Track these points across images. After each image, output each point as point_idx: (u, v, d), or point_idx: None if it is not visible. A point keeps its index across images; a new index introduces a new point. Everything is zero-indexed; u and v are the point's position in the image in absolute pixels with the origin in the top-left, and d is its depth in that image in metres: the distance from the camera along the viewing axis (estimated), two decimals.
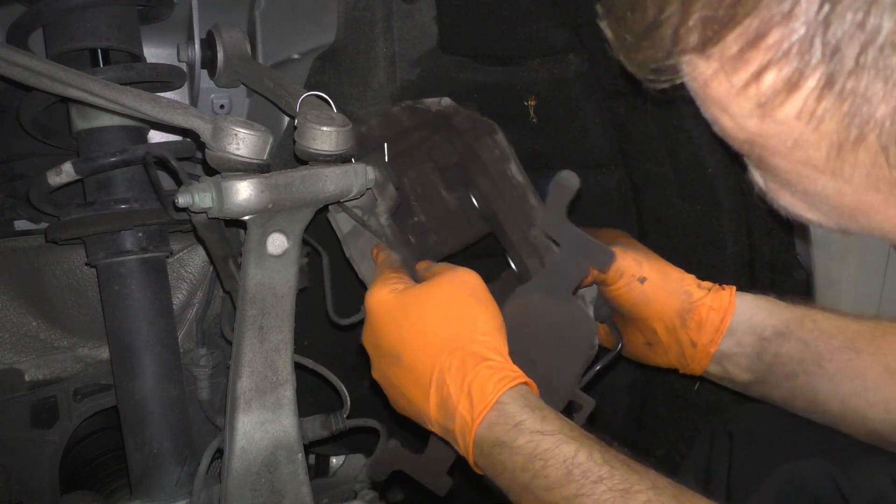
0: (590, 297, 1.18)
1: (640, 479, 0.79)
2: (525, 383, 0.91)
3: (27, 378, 1.29)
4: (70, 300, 1.33)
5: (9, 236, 1.34)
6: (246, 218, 0.99)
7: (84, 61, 1.16)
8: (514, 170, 1.23)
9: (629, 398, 1.64)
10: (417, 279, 1.06)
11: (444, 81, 1.37)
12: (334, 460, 1.66)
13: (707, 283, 1.10)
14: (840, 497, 0.99)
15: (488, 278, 1.32)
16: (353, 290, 1.16)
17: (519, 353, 0.95)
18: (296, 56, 1.29)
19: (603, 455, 0.82)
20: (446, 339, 0.93)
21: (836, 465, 1.00)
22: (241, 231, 1.08)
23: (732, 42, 0.48)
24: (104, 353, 1.32)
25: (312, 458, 1.65)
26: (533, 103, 1.43)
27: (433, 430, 0.95)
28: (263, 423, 1.06)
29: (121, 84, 1.01)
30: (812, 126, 0.48)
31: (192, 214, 1.02)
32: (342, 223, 1.12)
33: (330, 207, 1.13)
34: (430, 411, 0.93)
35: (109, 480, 1.43)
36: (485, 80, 1.39)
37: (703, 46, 0.49)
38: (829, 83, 0.45)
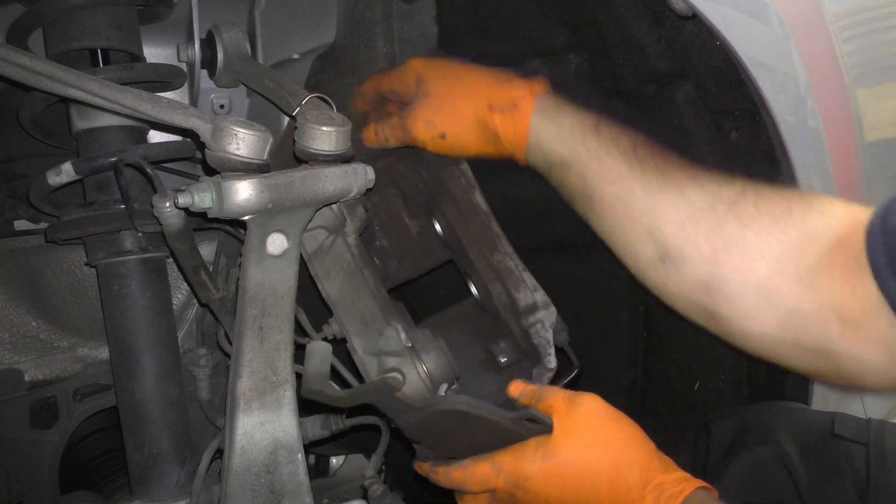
0: (549, 322, 1.21)
1: None
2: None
3: (27, 378, 1.29)
4: (70, 300, 1.33)
5: (9, 236, 1.34)
6: (246, 218, 0.99)
7: (84, 61, 1.16)
8: (479, 198, 1.27)
9: (629, 398, 1.64)
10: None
11: None
12: (334, 460, 1.66)
13: (502, 99, 1.11)
14: (790, 478, 1.01)
15: (449, 300, 1.35)
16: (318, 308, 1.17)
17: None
18: (296, 56, 1.29)
19: None
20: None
21: (795, 449, 1.03)
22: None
23: None
24: (104, 353, 1.32)
25: (312, 458, 1.65)
26: None
27: None
28: (263, 423, 1.06)
29: (121, 84, 1.01)
30: None
31: (162, 224, 1.01)
32: (307, 243, 1.13)
33: None
34: None
35: (109, 480, 1.43)
36: None
37: None
38: None
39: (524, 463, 0.96)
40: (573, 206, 1.11)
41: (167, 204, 0.99)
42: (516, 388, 1.04)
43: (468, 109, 1.11)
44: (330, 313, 1.16)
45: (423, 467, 1.07)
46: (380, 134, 1.20)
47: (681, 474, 0.93)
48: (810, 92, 1.14)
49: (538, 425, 0.96)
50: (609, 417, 0.98)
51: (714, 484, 1.02)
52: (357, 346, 1.12)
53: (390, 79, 1.23)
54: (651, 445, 0.96)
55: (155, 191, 1.00)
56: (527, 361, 1.24)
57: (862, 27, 1.18)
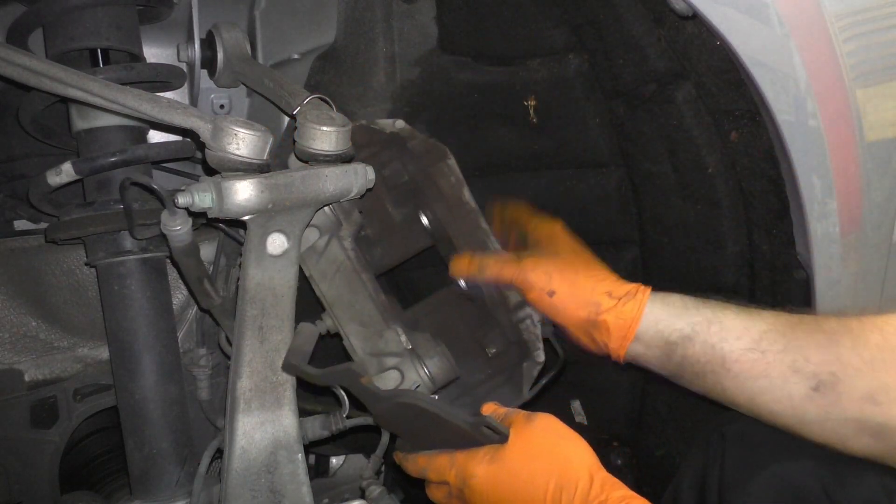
0: (537, 316, 1.24)
1: None
2: None
3: (27, 378, 1.29)
4: (70, 300, 1.33)
5: (9, 236, 1.34)
6: (246, 218, 0.99)
7: (84, 61, 1.16)
8: (467, 195, 1.29)
9: (629, 398, 1.64)
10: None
11: (444, 81, 1.37)
12: (334, 460, 1.66)
13: (621, 290, 1.12)
14: (828, 501, 0.99)
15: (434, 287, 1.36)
16: (312, 307, 1.17)
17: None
18: (296, 56, 1.29)
19: None
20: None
21: (825, 468, 1.01)
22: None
23: None
24: (104, 353, 1.32)
25: (312, 458, 1.65)
26: (533, 103, 1.43)
27: None
28: (263, 423, 1.06)
29: (121, 84, 1.02)
30: None
31: (170, 241, 1.02)
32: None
33: None
34: None
35: (109, 480, 1.43)
36: (485, 80, 1.39)
37: None
38: None
39: (473, 462, 1.02)
40: (702, 381, 1.08)
41: (178, 223, 0.99)
42: (488, 409, 1.09)
43: (588, 287, 1.12)
44: (322, 310, 1.17)
45: (398, 455, 1.14)
46: (475, 262, 1.21)
47: (625, 492, 0.94)
48: (810, 92, 1.13)
49: (495, 434, 1.01)
50: (559, 435, 1.01)
51: (738, 496, 1.01)
52: (356, 346, 1.14)
53: (530, 221, 1.28)
54: (596, 464, 0.98)
55: (164, 206, 1.00)
56: (513, 351, 1.27)
57: (862, 27, 1.18)
